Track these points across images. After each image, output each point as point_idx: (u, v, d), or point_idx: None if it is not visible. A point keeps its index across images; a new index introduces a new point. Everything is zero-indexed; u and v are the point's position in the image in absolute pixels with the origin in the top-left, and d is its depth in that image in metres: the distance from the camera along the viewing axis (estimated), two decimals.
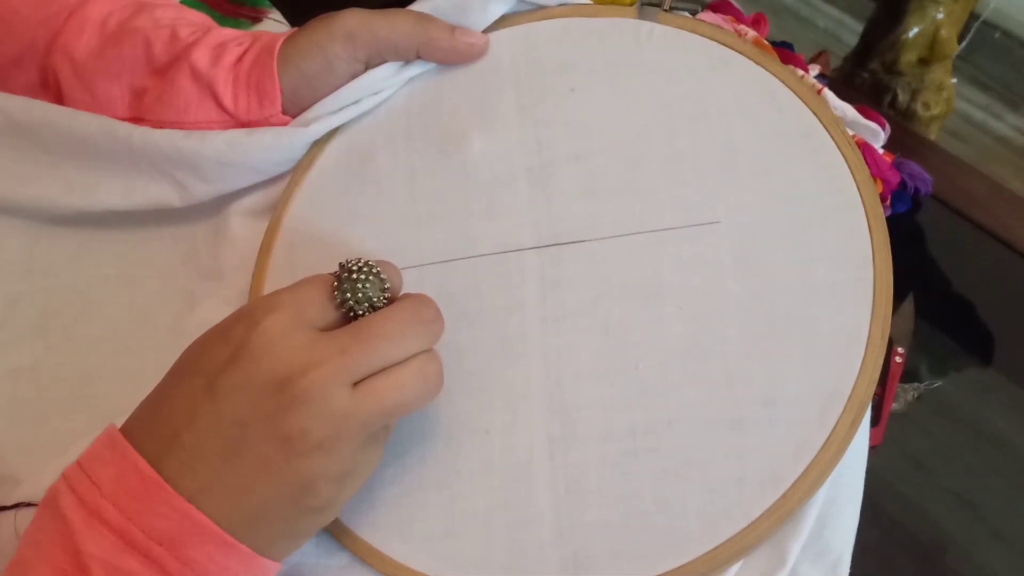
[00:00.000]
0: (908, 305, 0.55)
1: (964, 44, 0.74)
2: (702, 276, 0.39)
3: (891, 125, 0.65)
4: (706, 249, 0.39)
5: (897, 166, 0.61)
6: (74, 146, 0.45)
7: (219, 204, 0.46)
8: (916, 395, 0.52)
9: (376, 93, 0.45)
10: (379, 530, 0.38)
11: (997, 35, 0.90)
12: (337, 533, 0.38)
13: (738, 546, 0.34)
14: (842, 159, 0.41)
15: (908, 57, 0.70)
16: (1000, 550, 0.48)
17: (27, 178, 0.46)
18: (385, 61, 0.45)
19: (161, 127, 0.44)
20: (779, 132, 0.41)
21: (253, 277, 0.44)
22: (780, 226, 0.39)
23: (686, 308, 0.38)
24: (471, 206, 0.43)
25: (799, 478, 0.35)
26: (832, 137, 0.41)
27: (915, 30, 0.69)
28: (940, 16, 0.69)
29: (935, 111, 0.72)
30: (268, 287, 0.43)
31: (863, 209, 0.40)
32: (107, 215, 0.46)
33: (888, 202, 0.61)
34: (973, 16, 0.77)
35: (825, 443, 0.35)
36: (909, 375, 0.53)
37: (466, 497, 0.37)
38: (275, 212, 0.45)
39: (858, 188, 0.40)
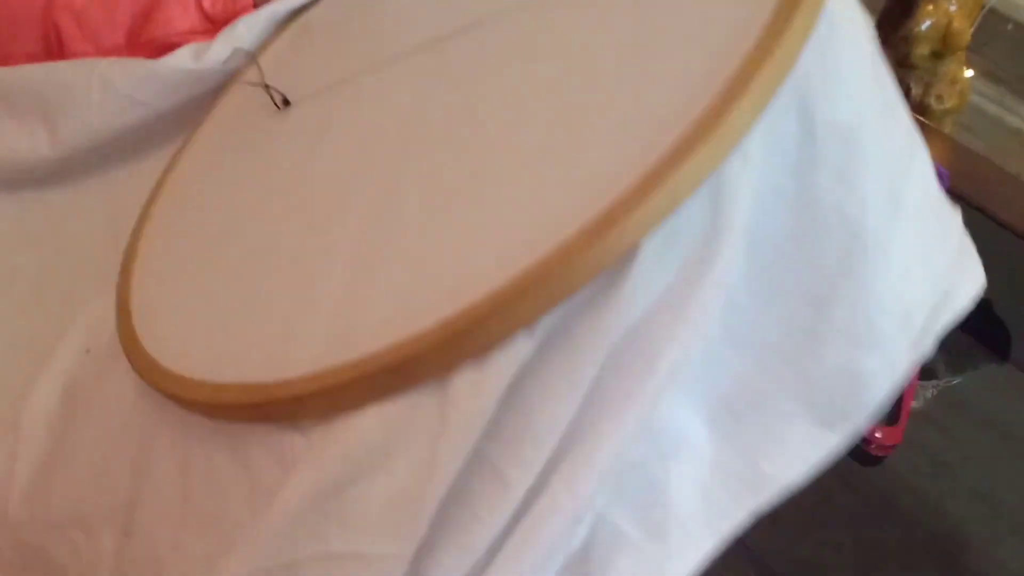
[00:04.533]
0: None
1: (974, 35, 0.73)
2: (586, 40, 0.36)
3: None
4: (600, 15, 0.37)
5: None
6: (34, 96, 0.46)
7: (186, 122, 0.48)
8: (934, 392, 0.52)
9: None
10: (147, 318, 0.37)
11: (1009, 27, 0.89)
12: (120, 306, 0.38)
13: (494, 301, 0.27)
14: None
15: (921, 50, 0.70)
16: (1019, 546, 0.48)
17: None
18: None
19: (147, 46, 0.47)
20: None
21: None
22: None
23: (563, 76, 0.35)
24: (383, 42, 0.44)
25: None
26: None
27: (927, 23, 0.69)
28: (953, 8, 0.69)
29: (948, 104, 0.72)
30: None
31: None
32: (83, 156, 0.47)
33: None
34: (985, 9, 0.77)
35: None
36: (926, 373, 0.52)
37: (258, 288, 0.35)
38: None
39: None
